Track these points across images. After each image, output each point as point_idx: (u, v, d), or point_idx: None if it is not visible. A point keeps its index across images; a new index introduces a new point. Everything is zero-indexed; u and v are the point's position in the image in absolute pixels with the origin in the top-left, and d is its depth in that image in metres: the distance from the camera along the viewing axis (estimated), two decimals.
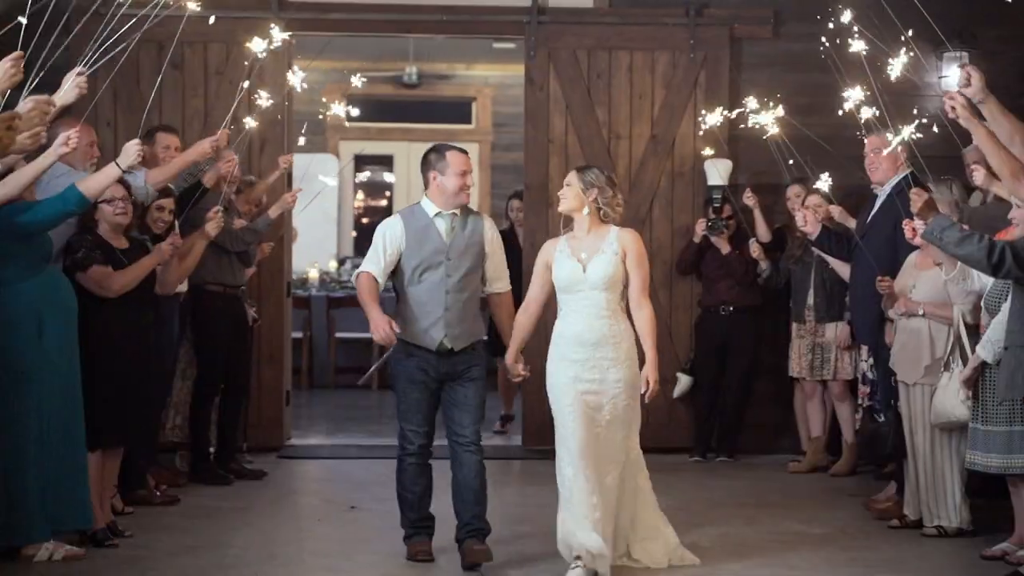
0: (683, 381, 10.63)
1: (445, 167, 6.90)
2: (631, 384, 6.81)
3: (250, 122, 8.53)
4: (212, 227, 8.43)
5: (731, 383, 10.52)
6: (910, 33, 6.67)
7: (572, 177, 6.86)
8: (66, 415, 7.01)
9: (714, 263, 10.49)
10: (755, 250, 10.31)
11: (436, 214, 6.97)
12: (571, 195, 6.82)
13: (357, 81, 8.40)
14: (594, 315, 6.76)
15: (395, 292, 7.15)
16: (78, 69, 6.47)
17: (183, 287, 8.78)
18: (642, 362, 6.87)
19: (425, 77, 17.28)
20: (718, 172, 10.36)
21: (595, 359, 6.75)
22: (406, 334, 6.92)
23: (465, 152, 7.02)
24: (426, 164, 7.02)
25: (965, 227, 6.62)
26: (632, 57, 10.97)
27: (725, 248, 10.41)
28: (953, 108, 6.09)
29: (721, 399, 10.57)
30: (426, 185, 7.02)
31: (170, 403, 9.15)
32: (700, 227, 10.44)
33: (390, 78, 16.67)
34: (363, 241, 18.55)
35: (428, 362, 6.96)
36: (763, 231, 10.47)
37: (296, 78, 8.34)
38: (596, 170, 6.87)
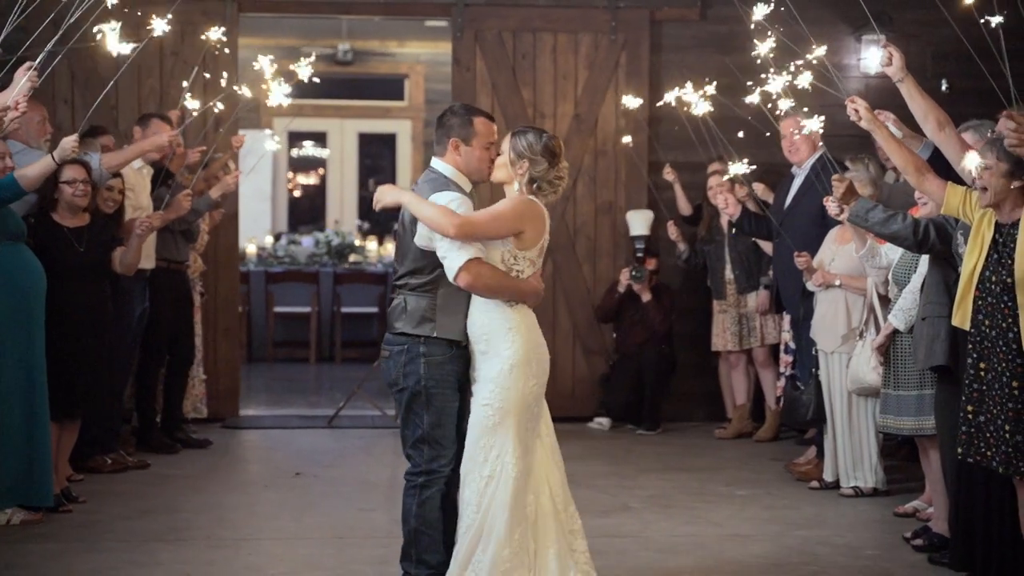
0: (603, 424, 10.89)
1: (470, 135, 5.66)
2: (490, 384, 5.50)
3: (219, 105, 8.79)
4: (156, 218, 8.65)
5: (652, 359, 10.82)
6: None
7: (505, 143, 5.65)
8: (27, 392, 7.25)
9: (631, 310, 10.86)
10: (673, 232, 10.70)
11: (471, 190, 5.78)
12: (500, 164, 5.69)
13: (304, 70, 8.67)
14: (472, 300, 5.63)
15: (427, 282, 5.63)
16: (29, 64, 6.65)
17: (150, 263, 9.08)
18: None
19: (358, 54, 17.49)
20: (640, 223, 10.78)
21: (473, 353, 5.65)
22: (449, 330, 5.60)
23: (492, 119, 5.79)
24: (445, 127, 5.71)
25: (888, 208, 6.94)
26: (556, 39, 11.27)
27: (646, 296, 10.76)
28: (856, 111, 6.39)
29: (647, 375, 10.87)
30: (441, 151, 5.73)
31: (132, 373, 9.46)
32: (624, 277, 10.75)
33: (324, 55, 16.85)
34: (297, 217, 18.80)
35: (466, 364, 5.70)
36: (684, 205, 10.88)
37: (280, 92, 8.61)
38: (532, 134, 5.60)
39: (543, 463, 5.56)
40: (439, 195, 5.53)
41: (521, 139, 5.58)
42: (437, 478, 5.62)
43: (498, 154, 5.68)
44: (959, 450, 5.88)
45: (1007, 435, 5.65)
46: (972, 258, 5.91)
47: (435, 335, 5.57)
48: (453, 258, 5.43)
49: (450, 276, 5.46)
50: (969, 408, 5.83)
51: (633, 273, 10.66)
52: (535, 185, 5.59)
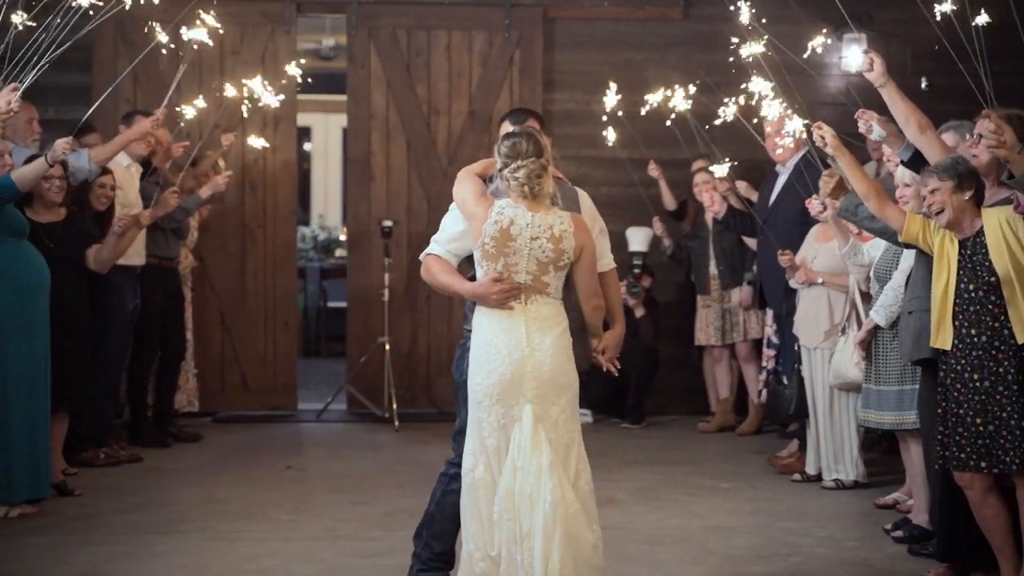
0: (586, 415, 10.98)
1: (497, 140, 5.63)
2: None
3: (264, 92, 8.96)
4: (146, 216, 8.86)
5: (636, 357, 10.94)
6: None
7: None
8: (32, 387, 7.42)
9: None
10: (658, 228, 10.84)
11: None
12: None
13: (295, 69, 8.86)
14: None
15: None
16: (13, 85, 6.75)
17: (139, 260, 9.18)
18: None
19: (342, 50, 17.52)
20: (639, 239, 10.90)
21: None
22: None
23: (519, 122, 5.76)
24: None
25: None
26: (450, 36, 11.43)
27: (639, 311, 10.93)
28: (822, 137, 6.49)
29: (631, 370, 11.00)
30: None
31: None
32: (621, 291, 10.86)
33: (307, 50, 16.91)
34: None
35: None
36: (668, 199, 11.02)
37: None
38: (503, 138, 5.51)
39: (513, 470, 5.33)
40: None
41: (503, 141, 5.47)
42: (459, 472, 5.55)
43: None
44: (983, 464, 5.84)
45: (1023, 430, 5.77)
46: (942, 280, 6.00)
47: None
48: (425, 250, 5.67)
49: None
50: (979, 420, 5.86)
51: (631, 289, 10.80)
52: (504, 184, 5.44)
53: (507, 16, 11.35)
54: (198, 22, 7.75)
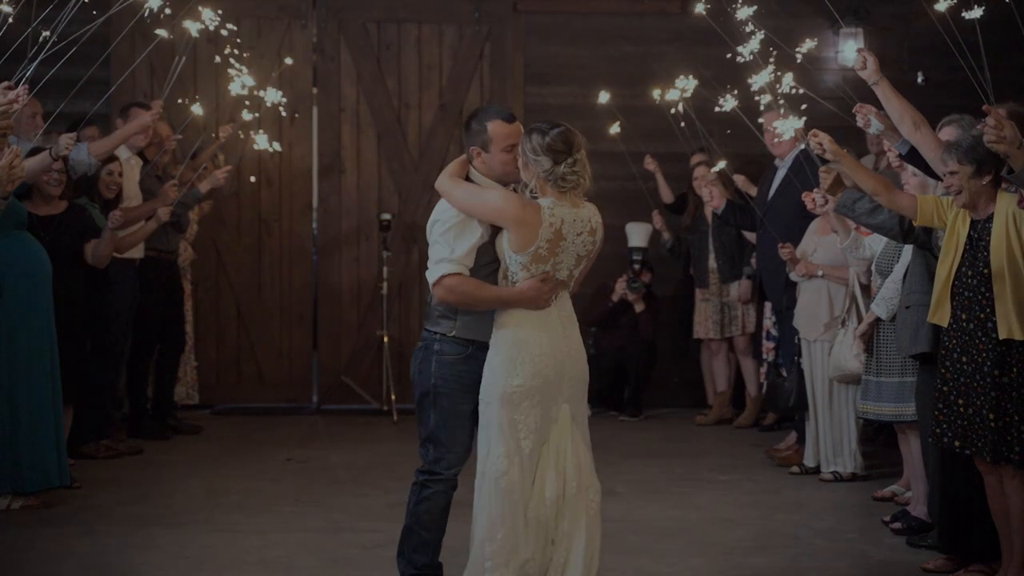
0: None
1: (487, 141, 5.38)
2: (484, 379, 5.34)
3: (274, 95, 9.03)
4: (165, 213, 8.98)
5: (634, 351, 11.02)
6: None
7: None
8: (35, 376, 7.44)
9: (622, 317, 11.06)
10: (658, 221, 10.87)
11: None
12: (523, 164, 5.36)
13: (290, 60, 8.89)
14: None
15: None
16: (5, 84, 6.76)
17: (139, 253, 9.21)
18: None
19: None
20: (639, 235, 10.91)
21: None
22: (470, 329, 5.38)
23: (512, 120, 5.42)
24: (467, 134, 5.49)
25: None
26: (420, 29, 11.48)
27: (640, 307, 10.98)
28: (819, 144, 6.51)
29: (629, 364, 11.08)
30: (471, 156, 5.47)
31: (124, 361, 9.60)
32: (620, 287, 10.92)
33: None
34: None
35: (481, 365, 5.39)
36: (666, 193, 11.06)
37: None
38: (537, 134, 5.26)
39: (549, 470, 5.26)
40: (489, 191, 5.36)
41: (527, 141, 5.26)
42: (437, 480, 5.45)
43: None
44: (956, 443, 5.96)
45: (991, 423, 5.82)
46: (948, 258, 6.05)
47: (452, 334, 5.37)
48: (432, 271, 5.32)
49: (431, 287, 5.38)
50: (960, 401, 5.96)
51: (631, 284, 10.83)
52: (551, 183, 5.25)
53: (476, 9, 11.39)
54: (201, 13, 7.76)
